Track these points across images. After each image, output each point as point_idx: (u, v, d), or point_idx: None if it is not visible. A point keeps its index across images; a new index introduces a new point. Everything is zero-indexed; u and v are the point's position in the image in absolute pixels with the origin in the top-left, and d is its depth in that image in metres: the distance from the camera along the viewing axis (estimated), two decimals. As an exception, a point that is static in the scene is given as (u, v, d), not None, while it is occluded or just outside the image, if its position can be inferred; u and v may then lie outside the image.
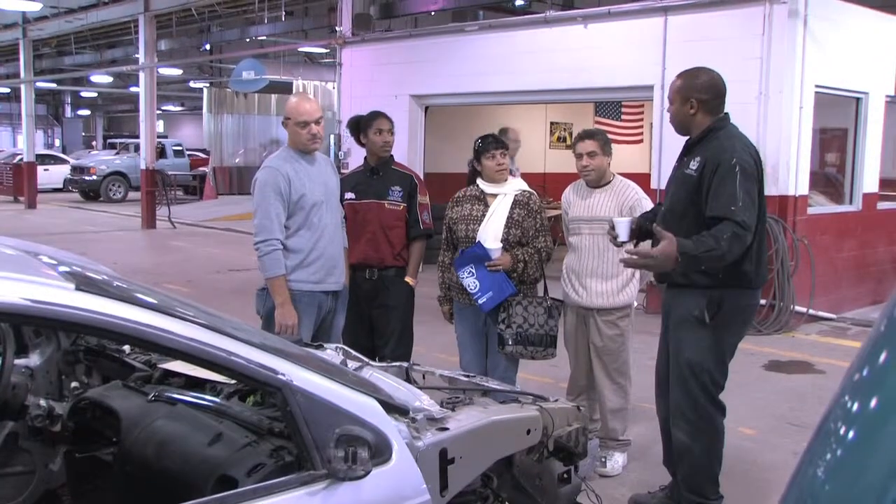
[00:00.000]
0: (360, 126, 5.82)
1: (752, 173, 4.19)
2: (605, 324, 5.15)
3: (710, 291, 4.11)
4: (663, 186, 10.27)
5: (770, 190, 9.34)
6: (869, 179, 10.71)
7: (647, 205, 5.00)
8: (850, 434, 0.99)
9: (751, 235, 3.98)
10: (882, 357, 1.01)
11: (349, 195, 5.53)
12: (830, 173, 11.02)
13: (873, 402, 0.99)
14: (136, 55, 21.75)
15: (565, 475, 3.15)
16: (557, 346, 5.14)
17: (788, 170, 9.32)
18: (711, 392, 4.32)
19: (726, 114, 4.64)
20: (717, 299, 4.11)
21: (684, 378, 4.25)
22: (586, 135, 5.17)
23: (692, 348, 4.19)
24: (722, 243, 3.83)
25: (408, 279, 5.56)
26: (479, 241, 4.97)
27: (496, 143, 5.17)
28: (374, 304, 5.50)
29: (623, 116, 17.94)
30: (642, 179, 11.71)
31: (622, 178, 5.26)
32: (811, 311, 9.60)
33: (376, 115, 5.84)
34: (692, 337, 4.18)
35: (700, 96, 4.54)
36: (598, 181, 5.15)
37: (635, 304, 5.23)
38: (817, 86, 9.54)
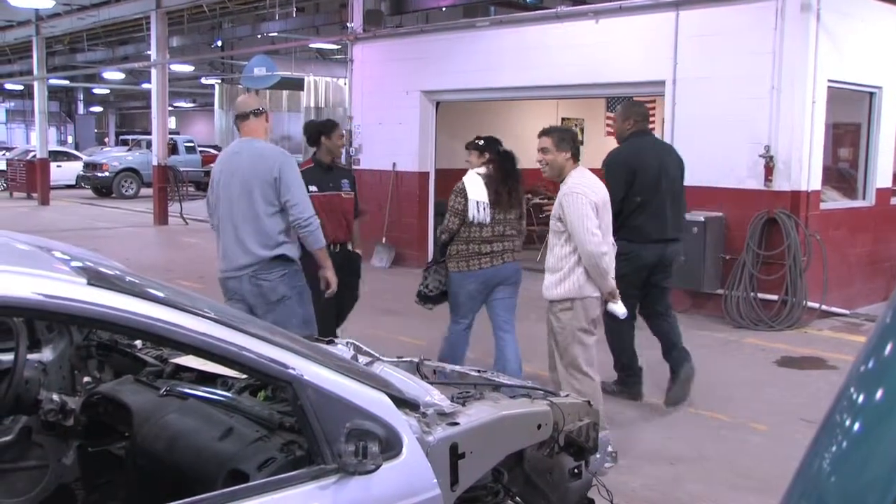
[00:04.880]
0: (320, 131, 6.91)
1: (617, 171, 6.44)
2: (552, 316, 5.32)
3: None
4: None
5: (782, 185, 9.32)
6: (882, 174, 10.66)
7: (574, 201, 5.13)
8: (856, 426, 0.98)
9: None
10: (888, 349, 1.00)
11: (312, 188, 6.09)
12: (843, 168, 10.97)
13: (879, 394, 0.98)
14: (148, 52, 21.78)
15: (576, 470, 3.15)
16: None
17: (801, 165, 9.27)
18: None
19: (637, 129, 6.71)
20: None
21: None
22: (542, 132, 5.41)
23: None
24: None
25: (357, 249, 7.13)
26: None
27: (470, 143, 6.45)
28: (343, 272, 6.19)
29: (635, 112, 17.87)
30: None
31: (580, 173, 5.31)
32: (824, 307, 9.56)
33: (336, 124, 7.13)
34: None
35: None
36: (556, 177, 5.36)
37: (594, 296, 5.21)
38: (830, 80, 9.48)
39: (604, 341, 6.09)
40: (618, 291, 5.30)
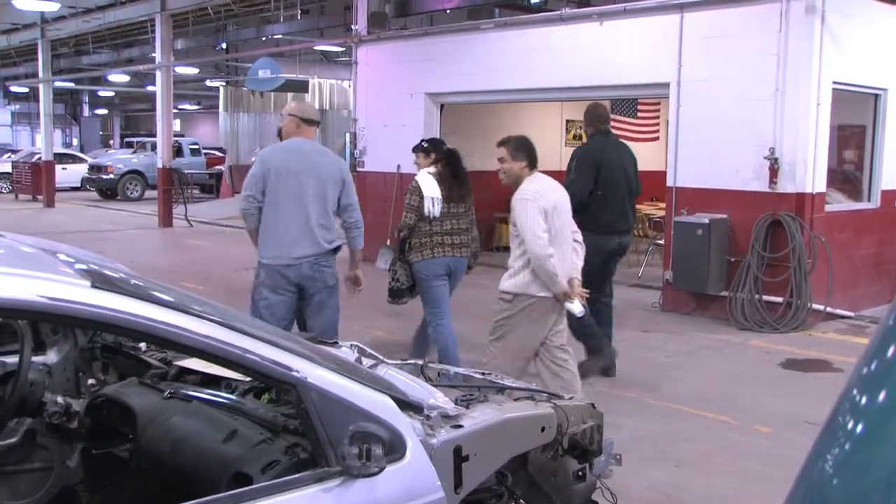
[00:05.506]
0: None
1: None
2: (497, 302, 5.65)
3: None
4: (680, 183, 10.31)
5: (787, 187, 9.31)
6: (887, 176, 10.63)
7: (523, 207, 5.39)
8: (859, 428, 0.98)
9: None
10: (890, 351, 1.00)
11: None
12: (848, 170, 10.95)
13: (882, 396, 0.98)
14: (153, 54, 21.84)
15: (580, 473, 3.15)
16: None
17: (805, 167, 9.26)
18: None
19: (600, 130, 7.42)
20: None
21: None
22: (499, 142, 5.73)
23: None
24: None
25: None
26: None
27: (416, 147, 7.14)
28: None
29: (639, 114, 17.88)
30: (659, 177, 11.73)
31: (534, 179, 5.56)
32: (829, 309, 9.54)
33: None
34: None
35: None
36: (513, 184, 5.60)
37: (538, 295, 5.40)
38: (835, 82, 9.47)
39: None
40: (575, 290, 5.51)
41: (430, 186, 6.74)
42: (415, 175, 6.99)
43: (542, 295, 5.39)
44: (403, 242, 6.85)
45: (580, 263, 5.66)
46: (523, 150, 5.58)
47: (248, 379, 2.93)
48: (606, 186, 7.11)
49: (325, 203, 5.77)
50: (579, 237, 5.70)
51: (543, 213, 5.34)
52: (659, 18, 10.44)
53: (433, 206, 6.70)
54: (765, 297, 9.42)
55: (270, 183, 5.73)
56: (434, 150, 7.00)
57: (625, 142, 7.99)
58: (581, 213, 6.24)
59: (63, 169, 29.04)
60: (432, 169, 6.86)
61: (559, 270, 5.33)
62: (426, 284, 6.80)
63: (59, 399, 3.11)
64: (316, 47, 23.55)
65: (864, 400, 1.00)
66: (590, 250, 5.96)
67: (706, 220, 9.64)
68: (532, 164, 5.57)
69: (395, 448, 2.41)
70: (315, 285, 5.76)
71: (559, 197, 5.55)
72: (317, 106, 22.87)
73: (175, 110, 27.82)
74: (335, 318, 5.94)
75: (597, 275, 6.87)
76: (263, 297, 5.74)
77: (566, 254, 5.48)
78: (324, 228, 5.75)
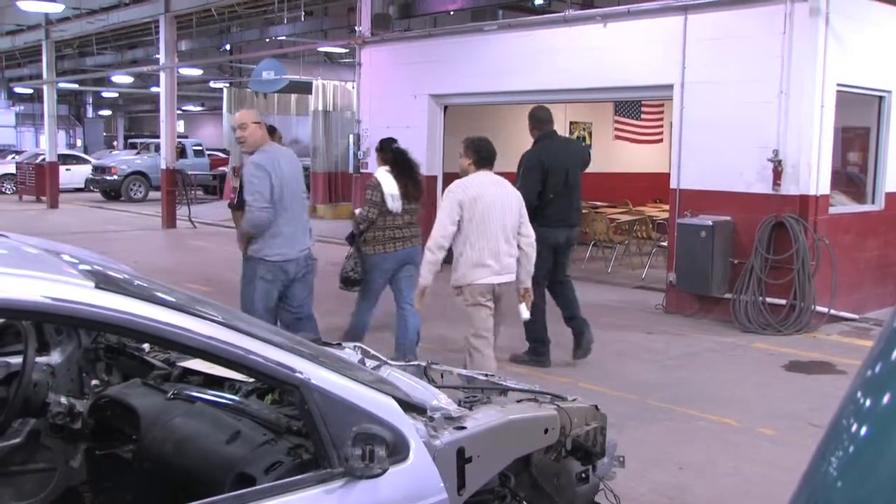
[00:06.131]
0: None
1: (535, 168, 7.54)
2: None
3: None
4: (684, 185, 10.30)
5: (790, 189, 9.30)
6: (892, 178, 10.60)
7: (444, 197, 6.18)
8: (863, 431, 0.98)
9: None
10: (895, 354, 1.00)
11: None
12: (852, 172, 10.93)
13: (886, 399, 0.98)
14: (157, 55, 21.86)
15: (583, 474, 3.14)
16: None
17: (809, 169, 9.25)
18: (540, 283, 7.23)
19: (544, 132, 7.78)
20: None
21: None
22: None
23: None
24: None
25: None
26: None
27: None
28: None
29: (643, 116, 17.88)
30: (662, 178, 11.72)
31: (473, 176, 6.19)
32: (832, 312, 9.53)
33: (274, 129, 7.73)
34: None
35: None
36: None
37: (478, 281, 6.02)
38: (839, 84, 9.46)
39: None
40: (521, 294, 6.25)
41: (389, 183, 7.22)
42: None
43: (480, 282, 6.02)
44: (360, 236, 7.32)
45: (530, 268, 6.21)
46: (472, 149, 6.24)
47: (252, 380, 2.93)
48: (556, 187, 7.63)
49: (306, 204, 6.79)
50: (532, 241, 6.19)
51: (459, 204, 5.97)
52: (662, 20, 10.43)
53: (393, 201, 7.19)
54: (768, 300, 9.41)
55: (279, 188, 6.30)
56: (382, 150, 7.56)
57: (570, 137, 8.43)
58: (533, 210, 6.86)
59: (67, 170, 29.07)
60: (387, 167, 7.39)
61: (434, 269, 6.03)
62: (371, 276, 7.33)
63: (63, 400, 3.11)
64: (319, 49, 23.59)
65: (868, 402, 1.00)
66: (541, 243, 6.58)
67: (710, 223, 9.63)
68: (478, 163, 6.19)
69: (398, 449, 2.41)
70: (306, 270, 6.57)
71: (489, 192, 6.05)
72: (321, 107, 22.93)
73: (179, 111, 27.87)
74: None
75: (550, 267, 7.68)
76: (262, 288, 6.36)
77: (491, 244, 6.00)
78: (308, 225, 6.68)
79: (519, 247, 6.12)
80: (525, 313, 6.31)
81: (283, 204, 6.28)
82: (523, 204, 6.25)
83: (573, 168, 7.81)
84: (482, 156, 6.20)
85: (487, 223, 5.97)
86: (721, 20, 9.88)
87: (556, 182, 7.61)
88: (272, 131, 7.53)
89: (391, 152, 7.47)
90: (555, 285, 7.88)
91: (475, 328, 6.09)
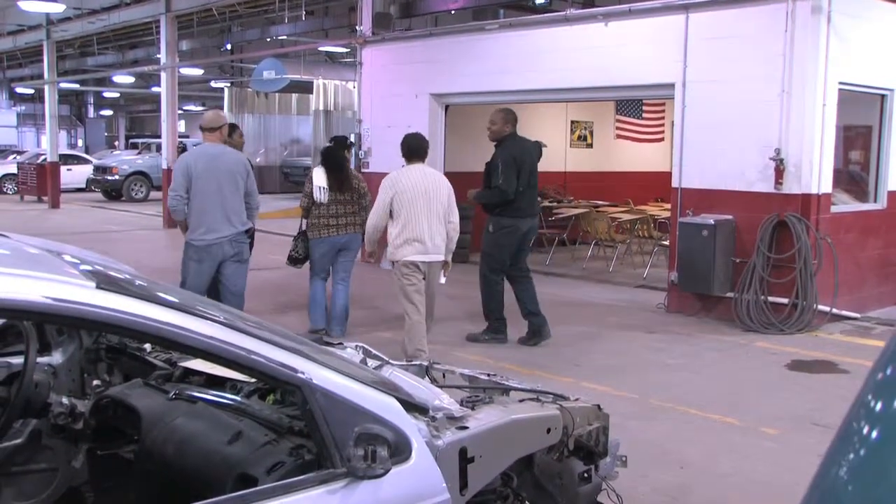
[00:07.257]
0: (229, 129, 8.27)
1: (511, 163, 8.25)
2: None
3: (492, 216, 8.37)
4: (685, 184, 10.29)
5: (793, 188, 9.28)
6: (894, 177, 10.59)
7: (384, 186, 7.31)
8: (874, 434, 0.97)
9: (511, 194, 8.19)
10: (905, 357, 0.99)
11: None
12: (854, 171, 10.91)
13: (897, 402, 0.97)
14: (158, 55, 21.85)
15: (586, 474, 3.14)
16: None
17: (811, 168, 9.23)
18: (492, 266, 8.44)
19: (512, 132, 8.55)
20: (495, 221, 8.34)
21: (482, 259, 8.62)
22: None
23: (485, 243, 8.53)
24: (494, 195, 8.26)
25: None
26: None
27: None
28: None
29: (644, 115, 17.86)
30: (664, 178, 11.70)
31: (405, 168, 7.43)
32: (835, 311, 9.51)
33: (235, 126, 8.93)
34: (485, 237, 8.49)
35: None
36: None
37: (406, 258, 7.22)
38: (841, 83, 9.44)
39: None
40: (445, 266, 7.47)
41: (318, 177, 8.38)
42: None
43: (409, 259, 7.19)
44: (301, 221, 8.61)
45: (451, 247, 7.42)
46: (404, 145, 7.54)
47: (253, 380, 2.92)
48: (523, 181, 8.36)
49: (238, 192, 7.27)
50: (457, 226, 7.41)
51: (390, 194, 7.19)
52: (664, 19, 10.42)
53: (321, 194, 8.31)
54: (770, 299, 9.39)
55: (194, 182, 7.15)
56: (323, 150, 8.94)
57: (526, 137, 8.94)
58: (504, 203, 8.19)
59: (68, 170, 29.09)
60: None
61: (373, 240, 7.52)
62: (313, 258, 8.55)
63: (65, 400, 3.11)
64: (320, 48, 23.58)
65: (879, 405, 0.99)
66: (509, 233, 8.24)
67: (711, 221, 9.62)
68: (408, 156, 7.48)
69: (400, 450, 2.40)
70: (230, 257, 7.26)
71: (417, 183, 7.21)
72: (322, 107, 22.93)
73: (180, 111, 27.84)
74: (244, 284, 7.45)
75: (515, 253, 8.44)
76: (192, 267, 7.31)
77: (417, 227, 7.16)
78: (237, 213, 7.26)
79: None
80: (442, 279, 7.50)
81: (201, 196, 7.14)
82: (452, 193, 7.40)
83: (535, 164, 8.56)
84: (413, 152, 7.48)
85: (414, 209, 7.16)
86: (722, 19, 9.86)
87: (525, 177, 8.33)
88: (233, 128, 8.55)
89: (322, 152, 8.88)
90: (517, 277, 8.51)
91: (405, 295, 7.27)
